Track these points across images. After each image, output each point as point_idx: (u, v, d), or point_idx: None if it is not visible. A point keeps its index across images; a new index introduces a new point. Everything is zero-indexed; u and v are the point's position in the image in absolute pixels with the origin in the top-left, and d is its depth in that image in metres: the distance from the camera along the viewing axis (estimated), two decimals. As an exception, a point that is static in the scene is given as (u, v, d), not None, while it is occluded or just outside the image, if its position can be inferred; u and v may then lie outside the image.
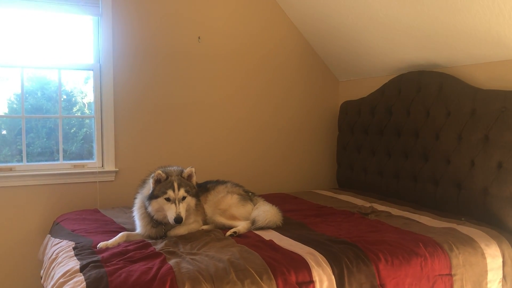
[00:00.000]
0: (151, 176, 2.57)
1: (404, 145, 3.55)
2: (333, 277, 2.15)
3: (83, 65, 3.68)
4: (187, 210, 2.57)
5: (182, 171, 2.61)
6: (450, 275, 2.38)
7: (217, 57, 4.02)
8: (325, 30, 4.04)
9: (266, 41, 4.21)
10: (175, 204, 2.47)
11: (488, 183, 2.88)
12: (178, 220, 2.44)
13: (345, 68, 4.34)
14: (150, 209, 2.53)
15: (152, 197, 2.52)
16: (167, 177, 2.54)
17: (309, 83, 4.42)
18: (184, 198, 2.51)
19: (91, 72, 3.68)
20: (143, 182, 2.69)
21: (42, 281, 2.48)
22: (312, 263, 2.17)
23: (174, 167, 2.66)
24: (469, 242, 2.52)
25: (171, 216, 2.45)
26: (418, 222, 2.89)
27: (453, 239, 2.52)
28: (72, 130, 3.75)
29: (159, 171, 2.53)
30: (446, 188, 3.16)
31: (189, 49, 3.91)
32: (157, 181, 2.53)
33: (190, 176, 2.62)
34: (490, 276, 2.48)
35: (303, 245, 2.38)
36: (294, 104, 4.37)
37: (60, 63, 3.60)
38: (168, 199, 2.48)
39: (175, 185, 2.50)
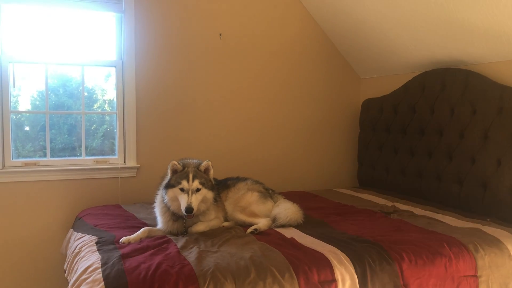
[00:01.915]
0: (168, 166, 2.60)
1: (428, 143, 3.49)
2: (355, 276, 2.13)
3: (105, 61, 3.71)
4: (205, 203, 2.59)
5: (199, 164, 2.62)
6: (475, 276, 2.33)
7: (238, 53, 4.01)
8: (347, 26, 3.99)
9: (286, 37, 4.19)
10: (188, 195, 2.48)
11: (515, 183, 2.82)
12: (189, 210, 2.45)
13: (367, 65, 4.29)
14: (166, 198, 2.57)
15: (168, 186, 2.57)
16: (184, 168, 2.57)
17: (330, 80, 4.38)
18: (198, 190, 2.52)
19: (112, 69, 3.71)
20: (163, 178, 2.70)
21: (66, 274, 2.51)
22: (334, 262, 2.15)
23: (193, 160, 2.69)
24: (495, 243, 2.46)
25: (183, 205, 2.47)
26: (442, 222, 2.83)
27: (479, 240, 2.46)
28: (93, 127, 3.79)
29: (175, 162, 2.58)
30: (471, 188, 3.10)
31: (210, 46, 3.91)
32: (174, 172, 2.58)
33: (207, 170, 2.63)
34: (517, 278, 2.42)
35: (325, 243, 2.36)
36: (315, 102, 4.33)
37: (83, 60, 3.64)
38: (182, 189, 2.51)
39: (190, 176, 2.52)
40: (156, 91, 3.77)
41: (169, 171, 2.60)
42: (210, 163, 2.64)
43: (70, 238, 2.90)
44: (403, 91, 3.80)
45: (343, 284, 2.10)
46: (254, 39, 4.06)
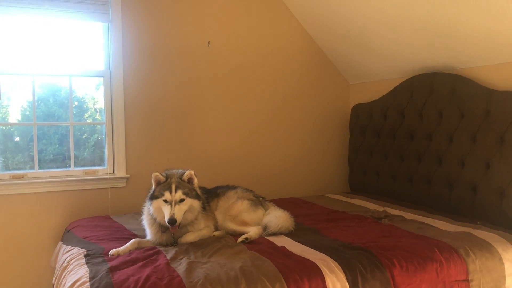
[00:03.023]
0: (152, 177, 2.58)
1: (417, 148, 3.50)
2: (347, 284, 2.12)
3: (93, 71, 3.69)
4: (192, 212, 2.58)
5: (182, 174, 2.60)
6: (467, 280, 2.33)
7: (226, 61, 4.01)
8: (335, 32, 4.01)
9: (275, 44, 4.19)
10: (171, 206, 2.46)
11: (504, 185, 2.83)
12: (172, 221, 2.43)
13: (355, 70, 4.30)
14: (151, 209, 2.56)
15: (152, 197, 2.56)
16: (167, 179, 2.55)
17: (319, 86, 4.39)
18: (182, 200, 2.51)
19: (101, 79, 3.68)
20: (149, 190, 2.68)
21: (54, 288, 2.48)
22: (325, 270, 2.14)
23: (177, 170, 2.67)
24: (486, 247, 2.46)
25: (166, 216, 2.46)
26: (432, 226, 2.83)
27: (470, 244, 2.47)
28: (84, 136, 3.76)
29: (157, 173, 2.56)
30: (461, 192, 3.11)
31: (198, 54, 3.90)
32: (158, 183, 2.57)
33: (190, 179, 2.61)
34: (509, 281, 2.42)
35: (316, 251, 2.35)
36: (304, 108, 4.34)
37: (71, 70, 3.62)
38: (165, 201, 2.49)
39: (173, 187, 2.50)
40: (144, 100, 3.75)
41: (153, 182, 2.58)
42: (192, 172, 2.61)
43: (59, 251, 2.86)
44: (392, 96, 3.82)
45: (334, 292, 2.09)
46: (243, 47, 4.06)
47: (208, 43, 3.92)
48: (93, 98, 3.81)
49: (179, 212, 2.47)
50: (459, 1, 2.81)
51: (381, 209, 3.29)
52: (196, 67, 3.91)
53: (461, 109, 3.16)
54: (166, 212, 2.47)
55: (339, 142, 4.47)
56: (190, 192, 2.55)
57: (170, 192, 2.49)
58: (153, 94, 3.77)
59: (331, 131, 4.45)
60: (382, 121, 3.89)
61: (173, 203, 2.48)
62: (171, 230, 2.51)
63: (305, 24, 4.24)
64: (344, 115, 4.46)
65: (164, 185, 2.53)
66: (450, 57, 3.28)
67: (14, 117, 3.58)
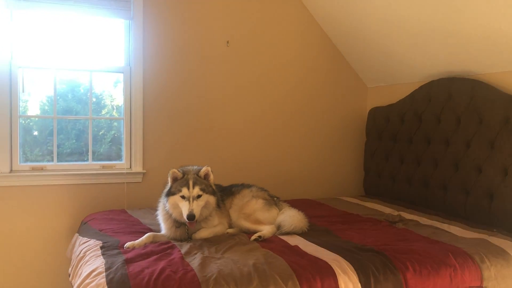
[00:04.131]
0: (168, 174, 2.61)
1: (434, 153, 3.47)
2: (359, 285, 2.12)
3: (114, 67, 3.74)
4: (207, 208, 2.60)
5: (199, 170, 2.63)
6: (481, 287, 2.31)
7: (245, 61, 4.03)
8: (354, 35, 4.00)
9: (294, 46, 4.20)
10: (189, 202, 2.49)
11: (522, 193, 2.79)
12: (191, 217, 2.45)
13: (374, 74, 4.29)
14: (167, 205, 2.58)
15: (169, 194, 2.58)
16: (183, 175, 2.57)
17: (336, 89, 4.38)
18: (199, 196, 2.53)
19: (121, 75, 3.74)
20: (166, 185, 2.71)
21: (70, 278, 2.52)
22: (338, 270, 2.14)
23: (193, 167, 2.69)
24: (501, 254, 2.44)
25: (184, 213, 2.48)
26: (447, 232, 2.81)
27: (485, 251, 2.44)
28: (101, 133, 3.82)
29: (175, 169, 2.59)
30: (477, 198, 3.08)
31: (218, 53, 3.94)
32: (174, 179, 2.59)
33: (207, 175, 2.64)
34: (523, 290, 2.40)
35: (329, 251, 2.35)
36: (321, 110, 4.34)
37: (92, 66, 3.68)
38: (183, 197, 2.52)
39: (190, 183, 2.52)
40: (163, 97, 3.79)
41: (169, 179, 2.61)
42: (209, 168, 2.64)
43: (75, 242, 2.91)
44: (410, 100, 3.80)
45: (347, 292, 2.09)
46: (261, 47, 4.08)
47: (227, 42, 3.95)
48: (111, 96, 3.86)
49: (197, 207, 2.50)
50: (479, 5, 2.79)
51: (395, 213, 3.27)
52: (215, 67, 3.94)
53: (480, 115, 3.13)
54: (184, 208, 2.49)
55: (355, 145, 4.45)
56: (206, 188, 2.58)
57: (188, 188, 2.51)
58: (171, 92, 3.81)
59: (347, 134, 4.44)
60: (399, 125, 3.87)
61: (191, 199, 2.50)
62: (189, 225, 2.54)
63: (325, 27, 4.24)
64: (361, 118, 4.45)
65: (181, 181, 2.56)
66: (470, 62, 3.26)
67: (33, 112, 3.66)
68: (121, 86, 3.77)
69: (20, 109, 3.52)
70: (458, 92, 3.33)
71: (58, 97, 3.66)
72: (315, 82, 4.30)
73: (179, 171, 2.60)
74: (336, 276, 2.11)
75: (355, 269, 2.17)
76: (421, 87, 3.71)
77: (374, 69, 4.23)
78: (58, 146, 3.63)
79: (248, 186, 3.03)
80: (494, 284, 2.33)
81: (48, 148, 3.63)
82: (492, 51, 3.03)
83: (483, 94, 3.14)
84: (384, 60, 3.98)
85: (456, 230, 2.84)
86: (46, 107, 3.67)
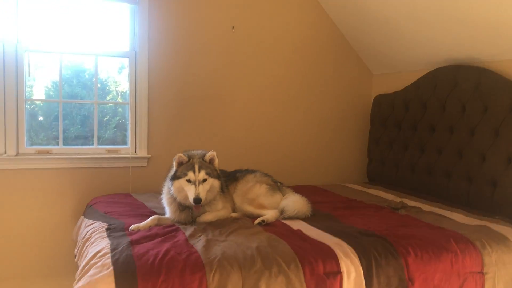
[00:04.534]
0: (174, 158, 2.62)
1: (438, 140, 3.47)
2: (361, 268, 2.14)
3: (119, 52, 3.75)
4: (212, 192, 2.62)
5: (204, 155, 2.65)
6: (481, 273, 2.33)
7: (250, 46, 4.03)
8: (360, 21, 3.98)
9: (299, 31, 4.19)
10: (195, 185, 2.51)
11: (525, 181, 2.80)
12: (197, 200, 2.48)
13: (379, 61, 4.27)
14: (172, 189, 2.60)
15: (174, 177, 2.59)
16: (189, 160, 2.59)
17: (342, 76, 4.38)
18: (205, 180, 2.55)
19: (126, 61, 3.74)
20: (170, 169, 2.73)
21: (76, 259, 2.56)
22: (340, 254, 2.17)
23: (198, 151, 2.71)
24: (502, 241, 2.45)
25: (190, 196, 2.51)
26: (449, 219, 2.83)
27: (486, 237, 2.46)
28: (106, 118, 3.84)
29: (181, 154, 2.60)
30: (480, 186, 3.08)
31: (223, 38, 3.93)
32: (180, 163, 2.60)
33: (212, 160, 2.66)
34: (524, 276, 2.41)
35: (331, 236, 2.38)
36: (326, 97, 4.33)
37: (97, 50, 3.68)
38: (189, 181, 2.54)
39: (196, 167, 2.55)
40: (168, 82, 3.80)
41: (174, 163, 2.62)
42: (214, 153, 2.66)
43: (81, 224, 2.95)
44: (415, 88, 3.79)
45: (348, 276, 2.11)
46: (266, 33, 4.07)
47: (233, 27, 3.94)
48: (115, 82, 3.88)
49: (203, 191, 2.53)
50: (488, -8, 2.78)
51: (398, 199, 3.29)
52: (220, 51, 3.93)
53: (485, 103, 3.13)
54: (190, 192, 2.52)
55: (360, 132, 4.46)
56: (212, 172, 2.60)
57: (194, 172, 2.53)
58: (176, 76, 3.82)
59: (352, 121, 4.45)
60: (404, 113, 3.87)
61: (197, 183, 2.52)
62: (194, 209, 2.57)
63: (331, 12, 4.22)
64: (365, 105, 4.44)
65: (187, 165, 2.58)
66: (476, 49, 3.24)
67: (38, 96, 3.68)
68: (125, 72, 3.78)
69: (26, 93, 3.54)
70: (463, 79, 3.32)
71: (63, 83, 3.67)
72: (320, 69, 4.29)
73: (184, 155, 2.62)
74: (338, 260, 2.14)
75: (357, 253, 2.19)
76: (426, 75, 3.70)
77: (379, 56, 4.21)
78: (64, 131, 3.65)
79: (252, 171, 3.05)
80: (495, 270, 2.35)
81: (53, 133, 3.65)
82: (499, 39, 3.01)
83: (489, 82, 3.12)
84: (390, 47, 3.96)
85: (458, 217, 2.86)
86: (51, 93, 3.69)
